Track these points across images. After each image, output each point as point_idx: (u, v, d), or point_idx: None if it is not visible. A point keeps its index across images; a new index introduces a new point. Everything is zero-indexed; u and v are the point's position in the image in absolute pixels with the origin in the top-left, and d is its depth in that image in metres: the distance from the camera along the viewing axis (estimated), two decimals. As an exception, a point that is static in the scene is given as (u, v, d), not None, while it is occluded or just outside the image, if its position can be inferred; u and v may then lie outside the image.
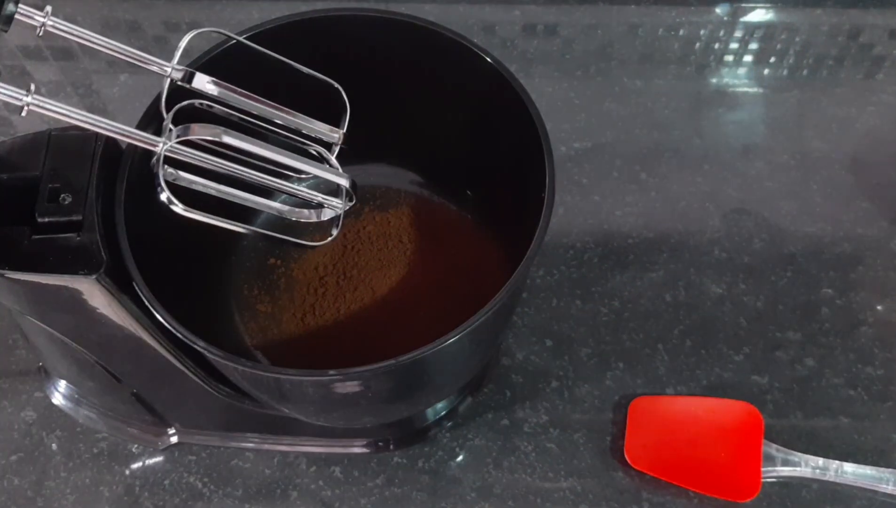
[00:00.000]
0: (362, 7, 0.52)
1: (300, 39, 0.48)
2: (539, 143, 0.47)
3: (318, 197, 0.46)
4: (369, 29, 0.52)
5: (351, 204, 0.47)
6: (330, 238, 0.48)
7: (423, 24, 0.50)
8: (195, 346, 0.42)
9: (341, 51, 0.50)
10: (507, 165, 0.53)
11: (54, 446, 0.58)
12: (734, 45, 0.77)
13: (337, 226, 0.48)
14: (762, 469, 0.55)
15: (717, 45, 0.77)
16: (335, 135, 0.48)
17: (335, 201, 0.47)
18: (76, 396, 0.58)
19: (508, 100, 0.49)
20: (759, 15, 0.79)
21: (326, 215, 0.48)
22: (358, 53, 0.52)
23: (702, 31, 0.78)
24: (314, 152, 0.47)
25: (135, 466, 0.57)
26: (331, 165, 0.47)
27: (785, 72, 0.76)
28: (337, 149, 0.48)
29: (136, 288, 0.42)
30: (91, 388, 0.56)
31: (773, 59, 0.76)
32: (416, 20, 0.51)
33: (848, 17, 0.78)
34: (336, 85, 0.47)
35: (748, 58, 0.76)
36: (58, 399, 0.59)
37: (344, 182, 0.46)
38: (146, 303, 0.42)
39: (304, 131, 0.47)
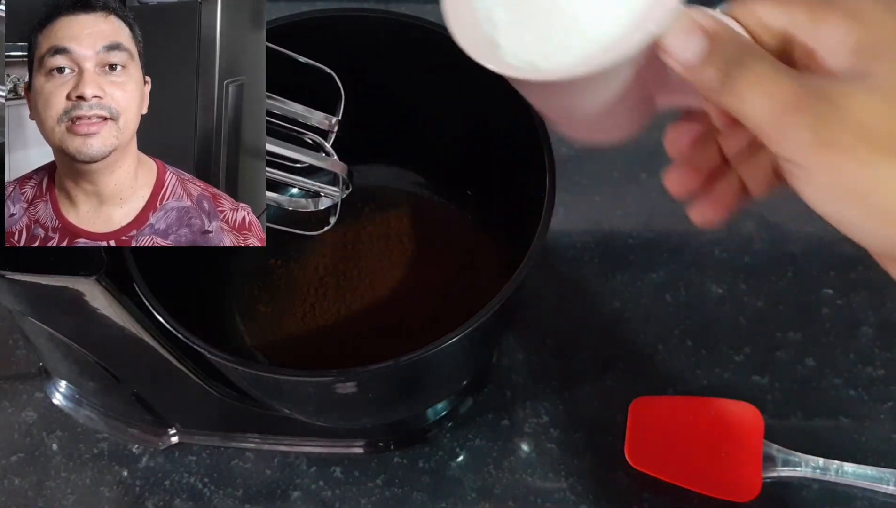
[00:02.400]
0: (362, 7, 0.52)
1: (300, 39, 0.48)
2: (539, 143, 0.47)
3: (315, 186, 0.46)
4: (369, 29, 0.52)
5: (348, 192, 0.47)
6: (328, 227, 0.48)
7: (424, 24, 0.50)
8: (195, 346, 0.42)
9: (341, 50, 0.50)
10: (507, 166, 0.53)
11: (55, 446, 0.58)
12: (734, 45, 0.77)
13: (334, 214, 0.48)
14: (762, 469, 0.55)
15: (717, 45, 0.77)
16: (329, 122, 0.48)
17: (332, 190, 0.47)
18: (77, 396, 0.58)
19: (508, 100, 0.49)
20: (759, 15, 0.79)
21: (324, 203, 0.48)
22: (358, 53, 0.52)
23: (702, 31, 0.78)
24: (310, 141, 0.47)
25: (135, 466, 0.57)
26: (326, 154, 0.47)
27: (785, 72, 0.76)
28: (332, 137, 0.48)
29: (137, 289, 0.43)
30: (91, 388, 0.56)
31: (773, 59, 0.76)
32: (416, 20, 0.51)
33: (848, 17, 0.78)
34: (329, 71, 0.47)
35: (748, 58, 0.76)
36: (58, 400, 0.59)
37: (339, 170, 0.46)
38: (146, 303, 0.42)
39: (300, 121, 0.47)
